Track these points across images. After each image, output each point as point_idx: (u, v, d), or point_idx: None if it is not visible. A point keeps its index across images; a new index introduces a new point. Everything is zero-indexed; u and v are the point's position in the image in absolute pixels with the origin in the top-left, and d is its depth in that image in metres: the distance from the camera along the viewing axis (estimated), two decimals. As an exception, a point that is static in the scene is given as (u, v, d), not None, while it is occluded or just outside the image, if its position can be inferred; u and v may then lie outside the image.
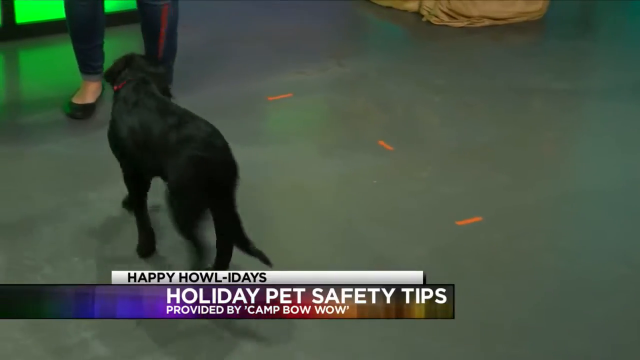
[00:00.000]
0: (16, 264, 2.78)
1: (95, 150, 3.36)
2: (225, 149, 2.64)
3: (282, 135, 3.57)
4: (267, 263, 2.61)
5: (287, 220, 3.09)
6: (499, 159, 3.57)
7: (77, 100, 3.66)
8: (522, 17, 4.99)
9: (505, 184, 3.39)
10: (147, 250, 2.85)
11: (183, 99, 3.65)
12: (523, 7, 4.98)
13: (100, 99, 3.71)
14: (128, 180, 2.82)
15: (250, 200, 3.11)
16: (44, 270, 2.76)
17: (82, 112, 3.63)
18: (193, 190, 2.58)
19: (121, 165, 2.82)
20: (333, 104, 3.97)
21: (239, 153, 3.42)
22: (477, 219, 3.15)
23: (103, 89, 3.73)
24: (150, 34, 3.61)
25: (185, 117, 2.65)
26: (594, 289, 2.86)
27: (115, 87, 2.82)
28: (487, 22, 4.91)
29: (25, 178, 3.22)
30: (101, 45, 3.66)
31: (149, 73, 2.81)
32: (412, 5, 4.98)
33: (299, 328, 2.63)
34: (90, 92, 3.67)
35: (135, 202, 2.84)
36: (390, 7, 5.03)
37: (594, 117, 4.04)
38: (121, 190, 2.94)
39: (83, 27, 3.58)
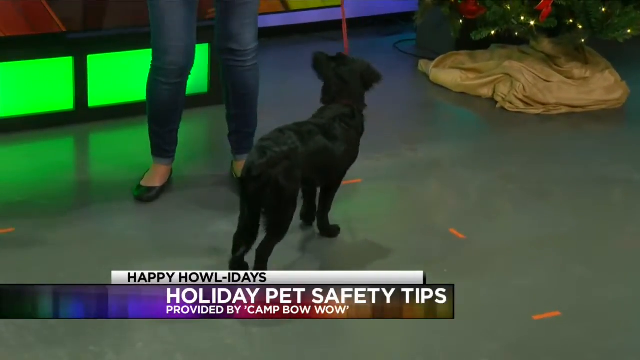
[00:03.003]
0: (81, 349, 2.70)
1: (159, 231, 3.39)
2: (252, 169, 2.92)
3: (349, 221, 3.50)
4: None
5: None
6: (577, 250, 3.42)
7: (145, 182, 3.64)
8: (600, 105, 4.86)
9: (584, 278, 3.23)
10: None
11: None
12: (602, 95, 4.86)
13: (168, 182, 3.69)
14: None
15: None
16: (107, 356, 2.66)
17: (149, 195, 3.60)
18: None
19: None
20: (403, 190, 3.89)
21: (306, 240, 3.37)
22: (555, 313, 2.99)
23: (171, 173, 3.72)
24: (240, 98, 3.59)
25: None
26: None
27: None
28: (563, 110, 4.80)
29: (92, 259, 3.19)
30: (177, 130, 3.66)
31: None
32: (486, 91, 4.91)
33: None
34: (159, 175, 3.66)
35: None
36: (463, 93, 4.97)
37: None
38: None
39: (164, 110, 3.57)
